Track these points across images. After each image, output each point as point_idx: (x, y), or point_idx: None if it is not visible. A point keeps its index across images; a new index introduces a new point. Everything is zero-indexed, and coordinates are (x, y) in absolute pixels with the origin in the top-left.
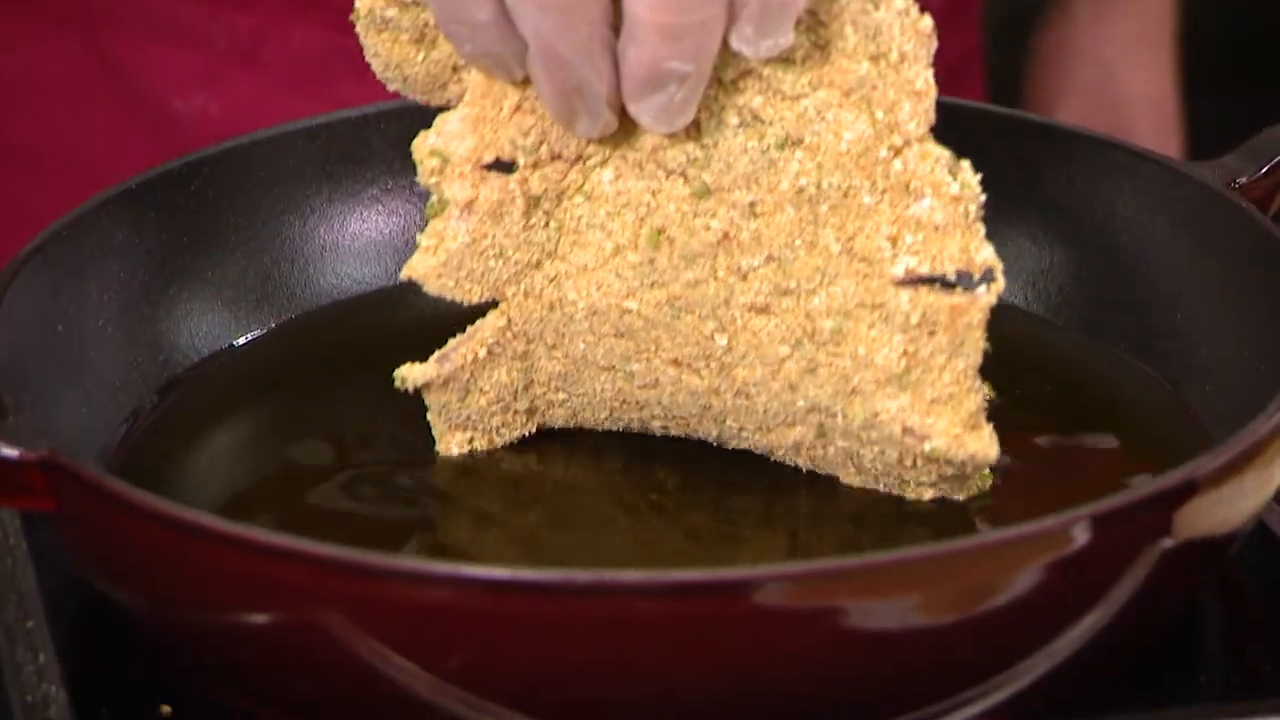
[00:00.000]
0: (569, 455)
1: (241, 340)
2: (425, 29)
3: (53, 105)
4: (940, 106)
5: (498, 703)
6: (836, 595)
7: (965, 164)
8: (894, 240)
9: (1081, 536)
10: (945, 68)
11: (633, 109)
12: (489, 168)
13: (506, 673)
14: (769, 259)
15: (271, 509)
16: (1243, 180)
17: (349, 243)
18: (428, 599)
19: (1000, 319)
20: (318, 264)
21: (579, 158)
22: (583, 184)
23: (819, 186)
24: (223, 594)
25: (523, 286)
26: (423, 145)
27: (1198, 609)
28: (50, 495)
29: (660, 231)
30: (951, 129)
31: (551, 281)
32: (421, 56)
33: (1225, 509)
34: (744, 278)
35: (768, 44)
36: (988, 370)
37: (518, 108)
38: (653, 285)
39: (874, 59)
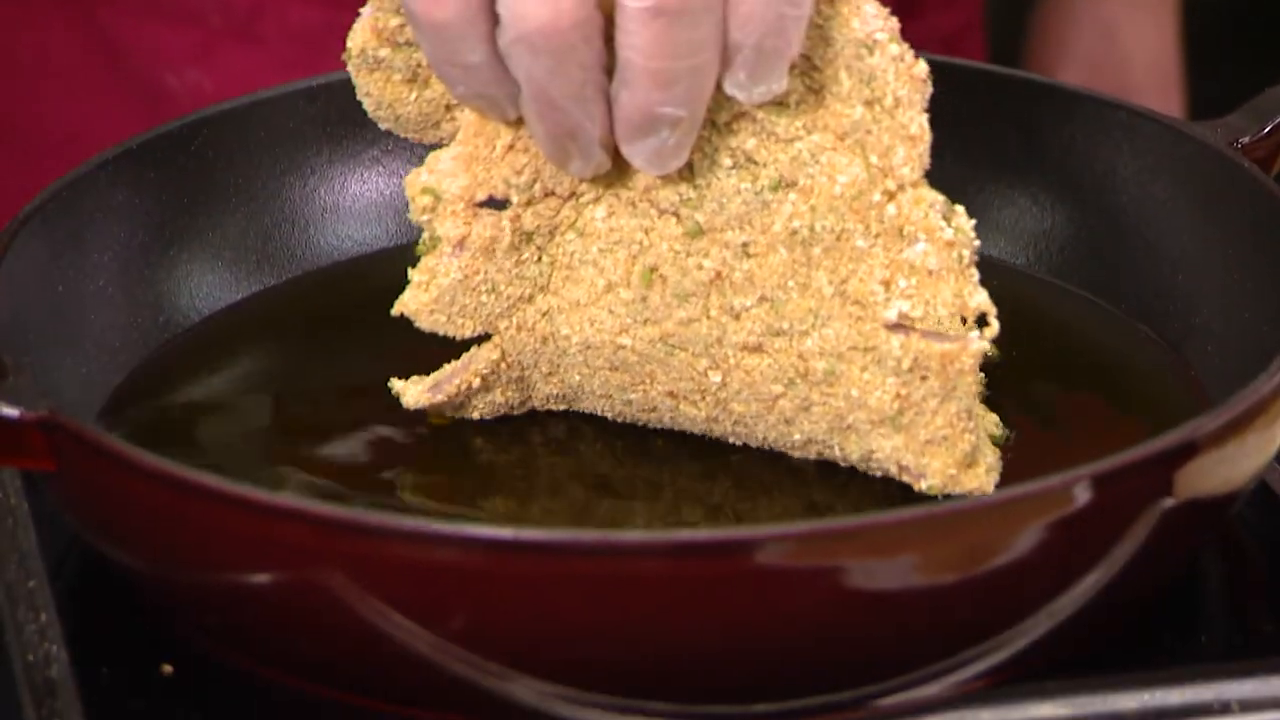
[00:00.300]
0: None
1: (241, 299)
2: (418, 69)
3: (47, 81)
4: (942, 68)
5: (500, 662)
6: (839, 555)
7: (959, 209)
8: (887, 284)
9: (1082, 496)
10: (942, 39)
11: (625, 151)
12: (482, 205)
13: (509, 632)
14: (761, 299)
15: (270, 467)
16: (1245, 140)
17: (349, 204)
18: (430, 559)
19: (1000, 280)
20: (318, 225)
21: (572, 194)
22: (575, 220)
23: (812, 229)
24: (224, 553)
25: (515, 320)
26: (415, 182)
27: (1199, 569)
28: (50, 455)
29: (653, 270)
30: (952, 91)
31: (544, 316)
32: (414, 96)
33: (1226, 469)
34: (736, 317)
35: (761, 90)
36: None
37: (511, 146)
38: (645, 322)
39: (868, 104)
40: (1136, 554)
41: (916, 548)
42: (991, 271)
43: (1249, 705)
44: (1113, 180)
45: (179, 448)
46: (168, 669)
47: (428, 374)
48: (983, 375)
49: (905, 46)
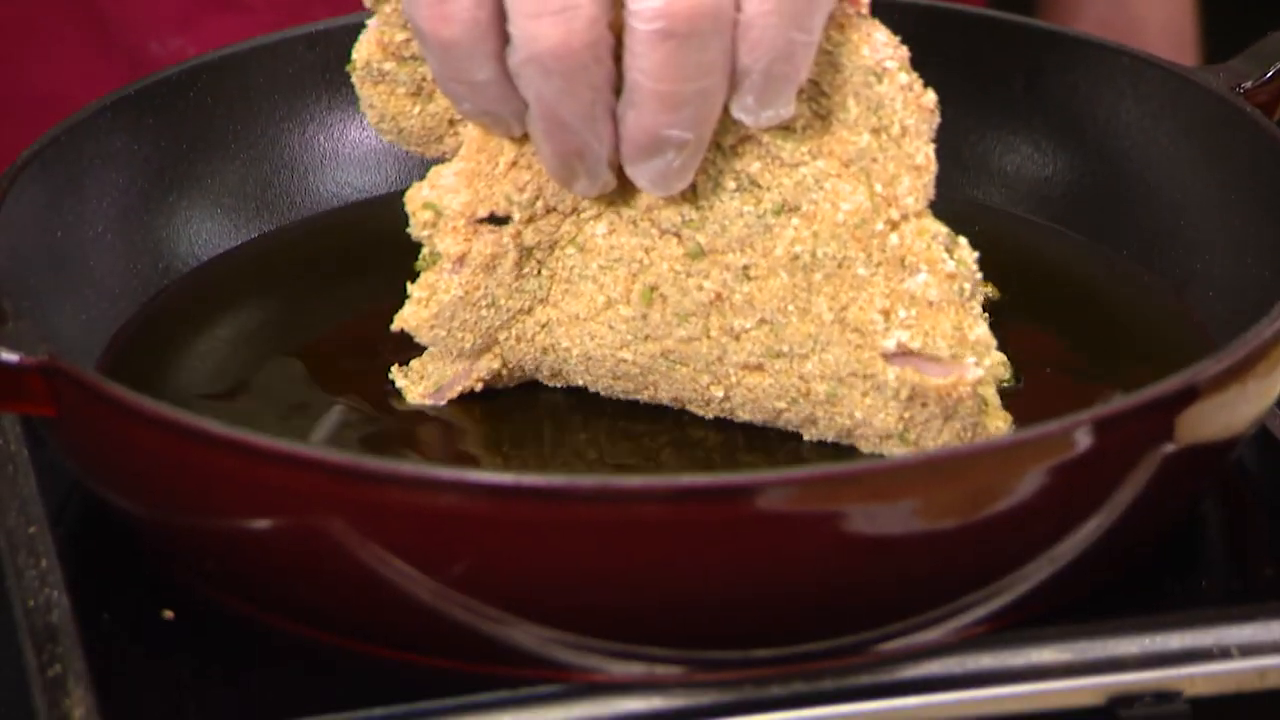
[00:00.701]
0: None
1: (240, 245)
2: (422, 83)
3: (30, 47)
4: (945, 13)
5: (501, 608)
6: (840, 500)
7: (963, 241)
8: (887, 314)
9: (1084, 441)
10: None
11: (630, 172)
12: (482, 222)
13: (510, 578)
14: (761, 322)
15: (270, 412)
16: (1248, 85)
17: (349, 150)
18: (432, 505)
19: (1003, 225)
20: (317, 171)
21: (574, 210)
22: (576, 235)
23: (814, 255)
24: (225, 499)
25: (514, 332)
26: (416, 198)
27: (1200, 513)
28: (51, 400)
29: (653, 289)
30: (956, 37)
31: (543, 328)
32: (418, 110)
33: (1227, 414)
34: (736, 338)
35: (768, 114)
36: (990, 273)
37: (514, 163)
38: (646, 339)
39: (875, 132)
40: (1137, 499)
41: (918, 493)
42: (993, 217)
43: (1249, 649)
44: (1115, 126)
45: (177, 392)
46: (168, 614)
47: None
48: (987, 314)
49: (915, 76)
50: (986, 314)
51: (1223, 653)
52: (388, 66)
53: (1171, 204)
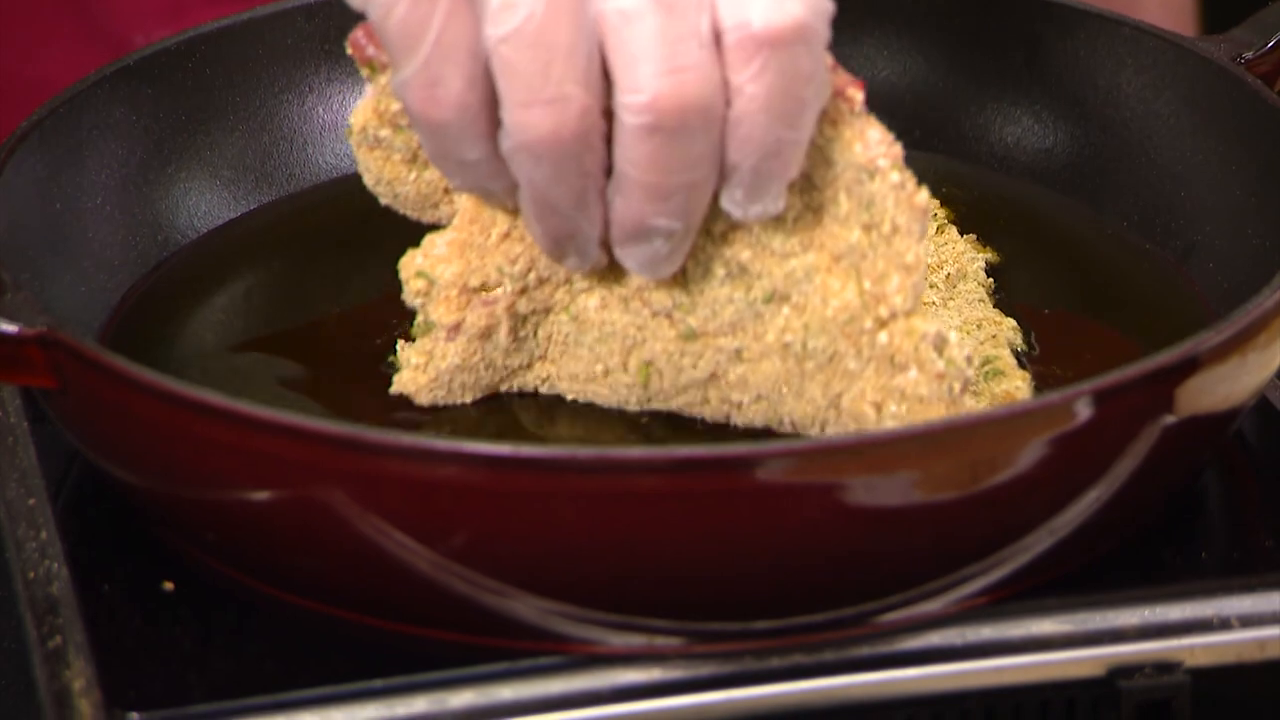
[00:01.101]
0: None
1: (239, 215)
2: (418, 151)
3: (14, 37)
4: None
5: (500, 579)
6: (839, 471)
7: (953, 338)
8: (878, 407)
9: (1084, 412)
10: None
11: (619, 254)
12: (475, 291)
13: (509, 550)
14: (759, 398)
15: (269, 383)
16: (1249, 55)
17: (348, 122)
18: (431, 476)
19: (1003, 195)
20: (316, 143)
21: (567, 280)
22: (569, 304)
23: (804, 346)
24: (224, 470)
25: (516, 384)
26: (410, 265)
27: (1200, 485)
28: (50, 372)
29: (649, 364)
30: (956, 7)
31: (544, 380)
32: (413, 176)
33: (1227, 385)
34: (738, 407)
35: (756, 209)
36: (991, 239)
37: (506, 235)
38: (649, 400)
39: (866, 228)
40: (1137, 470)
41: (917, 464)
42: (994, 184)
43: (1249, 621)
44: (1116, 97)
45: (177, 364)
46: (169, 586)
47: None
48: (991, 280)
49: (908, 174)
50: (991, 279)
51: (1223, 624)
52: (383, 133)
53: (1172, 175)
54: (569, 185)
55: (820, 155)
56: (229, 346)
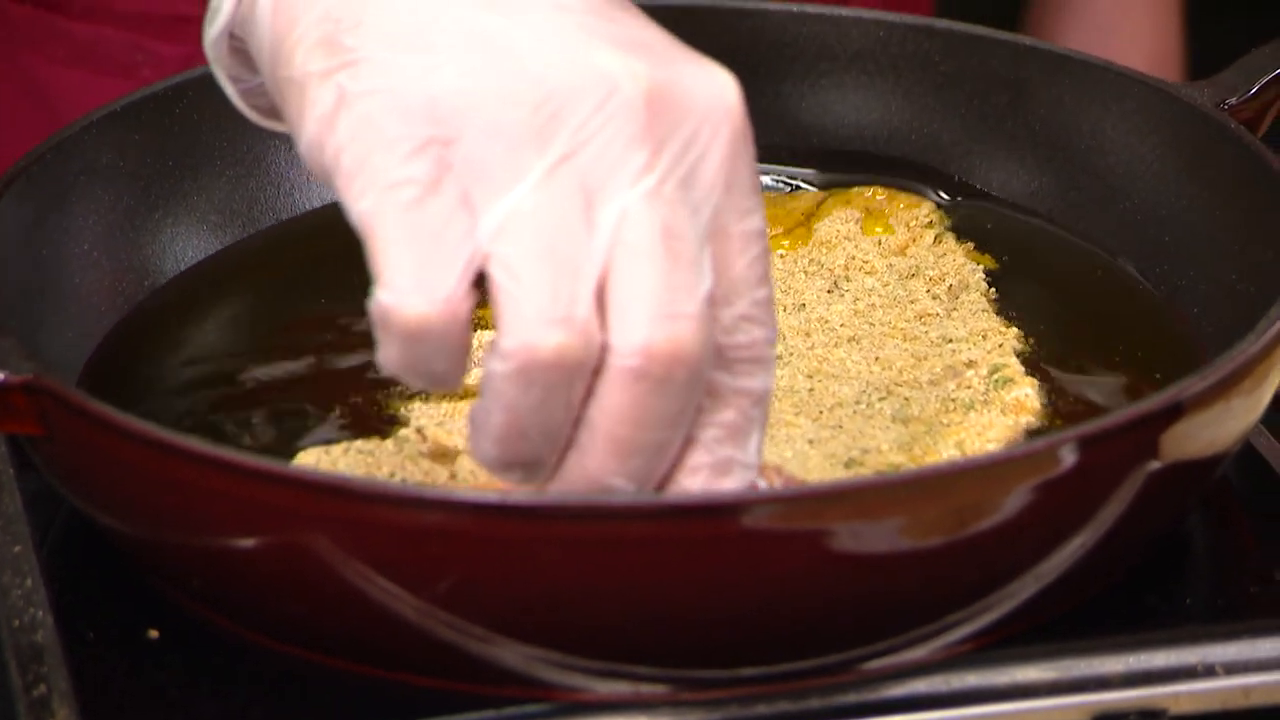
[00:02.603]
0: None
1: (220, 250)
2: None
3: None
4: (930, 29)
5: (486, 626)
6: (825, 518)
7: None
8: None
9: (1068, 458)
10: None
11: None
12: None
13: (495, 596)
14: None
15: (253, 423)
16: (1232, 101)
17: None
18: (416, 523)
19: (990, 235)
20: (303, 188)
21: None
22: None
23: None
24: (210, 518)
25: None
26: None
27: (1185, 530)
28: (36, 419)
29: None
30: (940, 52)
31: None
32: None
33: (1212, 431)
34: None
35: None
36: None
37: None
38: None
39: None
40: (1122, 516)
41: (902, 511)
42: (981, 222)
43: (1233, 668)
44: (1100, 141)
45: (161, 412)
46: (154, 633)
47: None
48: (993, 289)
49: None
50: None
51: (1207, 671)
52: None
53: (1157, 219)
54: (551, 414)
55: None
56: (214, 384)
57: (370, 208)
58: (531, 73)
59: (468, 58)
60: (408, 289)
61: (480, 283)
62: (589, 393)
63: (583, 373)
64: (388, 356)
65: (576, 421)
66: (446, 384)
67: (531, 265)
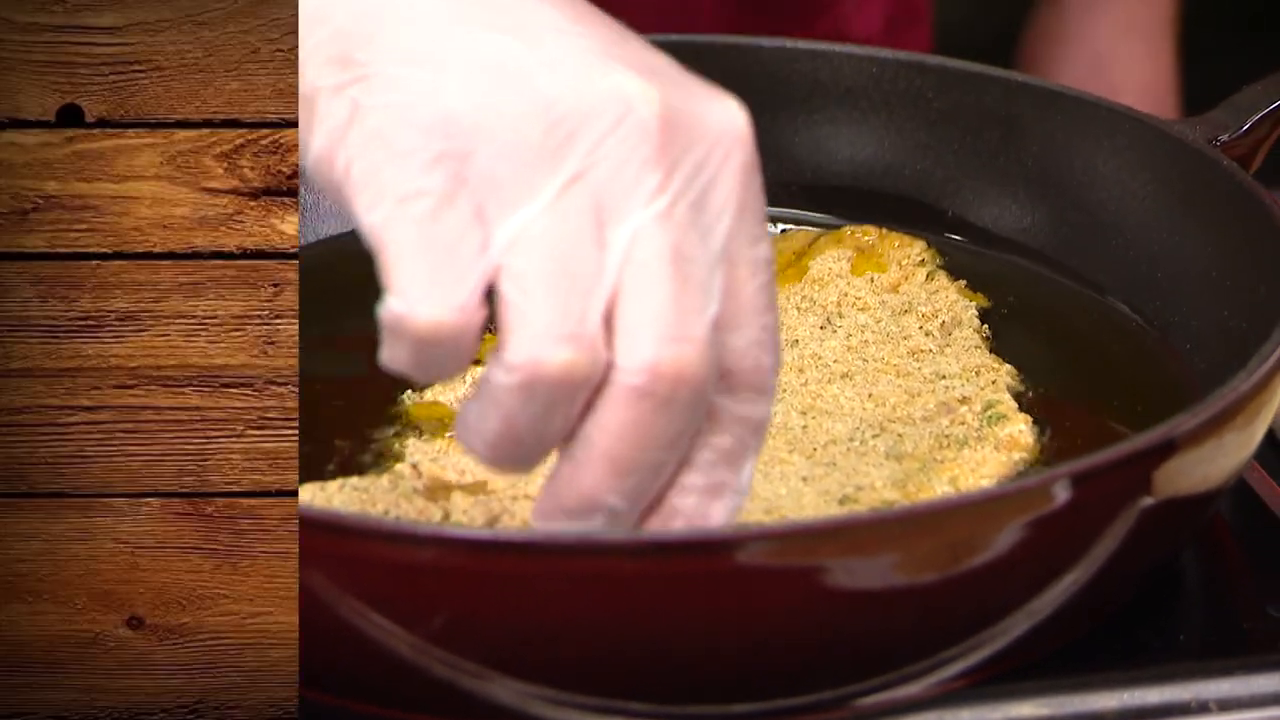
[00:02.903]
0: None
1: None
2: None
3: None
4: (921, 66)
5: (479, 662)
6: (818, 554)
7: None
8: None
9: (1061, 495)
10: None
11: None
12: None
13: (488, 632)
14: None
15: None
16: (1224, 138)
17: (328, 203)
18: (409, 559)
19: (981, 272)
20: (313, 209)
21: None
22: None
23: None
24: None
25: None
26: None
27: (1178, 566)
28: None
29: None
30: (932, 89)
31: None
32: None
33: (1205, 468)
34: None
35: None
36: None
37: None
38: None
39: None
40: (1116, 552)
41: (896, 547)
42: (972, 260)
43: (1227, 704)
44: (1092, 178)
45: None
46: None
47: None
48: (985, 325)
49: None
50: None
51: (1201, 707)
52: None
53: (1149, 256)
54: (548, 426)
55: None
56: None
57: (383, 219)
58: (547, 92)
59: (482, 76)
60: (421, 298)
61: (487, 294)
62: (588, 408)
63: (586, 389)
64: (396, 358)
65: (572, 434)
66: (449, 379)
67: (543, 281)
